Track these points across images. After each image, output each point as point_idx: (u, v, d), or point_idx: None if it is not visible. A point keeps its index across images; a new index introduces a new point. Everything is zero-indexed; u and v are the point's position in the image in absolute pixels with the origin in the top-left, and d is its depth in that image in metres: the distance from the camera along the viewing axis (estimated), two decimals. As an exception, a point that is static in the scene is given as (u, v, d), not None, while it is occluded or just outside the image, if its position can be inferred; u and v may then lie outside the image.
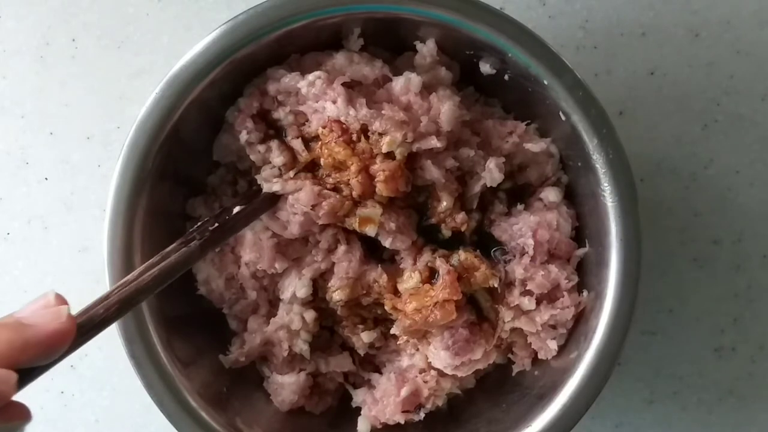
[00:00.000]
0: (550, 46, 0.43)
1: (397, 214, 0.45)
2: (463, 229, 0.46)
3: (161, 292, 0.45)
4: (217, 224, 0.43)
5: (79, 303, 0.55)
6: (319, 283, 0.47)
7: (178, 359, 0.44)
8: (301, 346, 0.47)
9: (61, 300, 0.34)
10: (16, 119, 0.56)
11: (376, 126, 0.43)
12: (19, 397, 0.34)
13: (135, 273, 0.40)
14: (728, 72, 0.54)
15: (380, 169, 0.43)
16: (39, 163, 0.56)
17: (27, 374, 0.33)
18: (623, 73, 0.54)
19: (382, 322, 0.48)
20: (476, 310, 0.47)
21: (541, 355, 0.47)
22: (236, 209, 0.44)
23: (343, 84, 0.44)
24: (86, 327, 0.36)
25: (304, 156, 0.45)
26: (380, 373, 0.49)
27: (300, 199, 0.44)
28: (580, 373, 0.43)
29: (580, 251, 0.47)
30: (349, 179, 0.44)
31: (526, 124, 0.47)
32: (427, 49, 0.46)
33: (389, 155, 0.44)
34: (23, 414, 0.34)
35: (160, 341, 0.44)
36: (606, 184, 0.43)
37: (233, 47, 0.43)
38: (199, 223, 0.44)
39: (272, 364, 0.48)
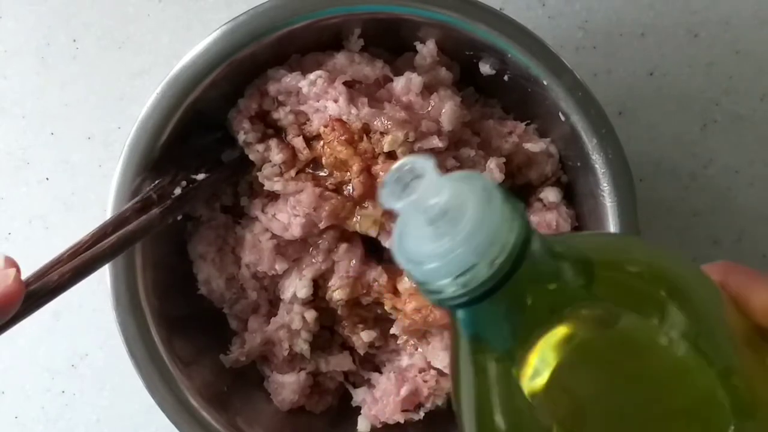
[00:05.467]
0: (550, 46, 0.43)
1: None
2: (463, 228, 0.46)
3: (162, 292, 0.45)
4: (180, 192, 0.43)
5: (80, 303, 0.55)
6: (319, 282, 0.47)
7: (179, 359, 0.44)
8: (302, 346, 0.47)
9: (10, 263, 0.34)
10: (17, 119, 0.56)
11: (378, 125, 0.44)
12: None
13: (88, 237, 0.39)
14: (728, 72, 0.54)
15: (382, 169, 0.44)
16: (39, 163, 0.56)
17: None
18: (623, 73, 0.54)
19: (382, 321, 0.48)
20: (476, 309, 0.47)
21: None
22: (200, 176, 0.44)
23: (344, 83, 0.44)
24: (40, 293, 0.36)
25: (305, 154, 0.45)
26: (380, 372, 0.49)
27: (302, 201, 0.44)
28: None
29: (580, 251, 0.47)
30: (350, 179, 0.44)
31: (526, 124, 0.47)
32: (427, 49, 0.46)
33: (391, 155, 0.44)
34: None
35: (160, 341, 0.44)
36: (605, 184, 0.43)
37: (234, 48, 0.43)
38: (157, 182, 0.43)
39: (272, 364, 0.49)
